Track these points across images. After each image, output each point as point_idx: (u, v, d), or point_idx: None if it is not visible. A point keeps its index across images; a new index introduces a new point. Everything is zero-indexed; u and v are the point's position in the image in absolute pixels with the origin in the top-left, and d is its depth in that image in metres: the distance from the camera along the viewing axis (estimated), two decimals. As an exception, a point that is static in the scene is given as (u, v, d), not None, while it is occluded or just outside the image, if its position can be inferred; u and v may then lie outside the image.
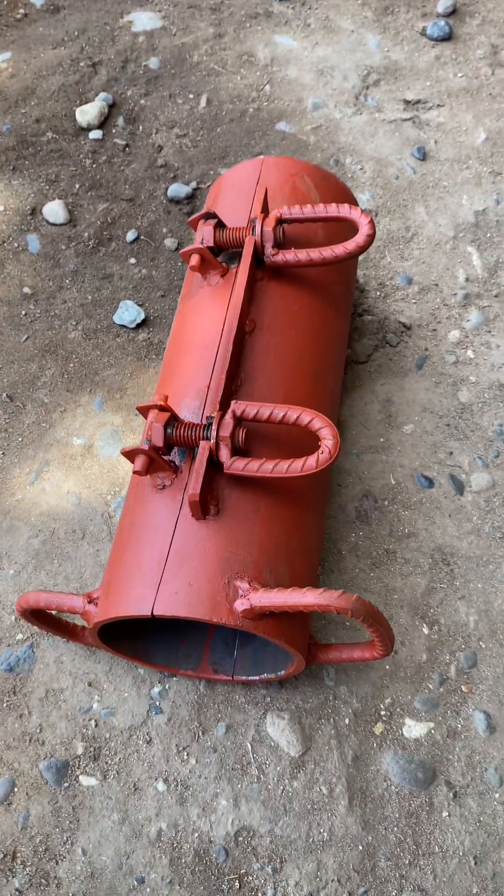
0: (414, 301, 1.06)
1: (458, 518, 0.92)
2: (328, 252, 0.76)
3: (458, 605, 0.87)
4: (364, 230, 0.76)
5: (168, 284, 1.04)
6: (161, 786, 0.75)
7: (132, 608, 0.63)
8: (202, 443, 0.65)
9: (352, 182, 1.16)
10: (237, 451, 0.66)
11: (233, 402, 0.67)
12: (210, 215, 0.79)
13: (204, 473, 0.63)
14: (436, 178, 1.17)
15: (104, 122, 1.18)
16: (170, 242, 1.08)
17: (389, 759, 0.79)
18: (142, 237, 1.08)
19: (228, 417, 0.66)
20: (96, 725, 0.77)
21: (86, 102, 1.19)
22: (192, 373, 0.74)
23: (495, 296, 1.08)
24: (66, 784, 0.75)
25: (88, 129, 1.17)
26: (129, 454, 0.65)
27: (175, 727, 0.77)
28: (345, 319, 0.87)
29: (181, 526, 0.66)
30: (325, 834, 0.75)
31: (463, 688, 0.83)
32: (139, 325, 1.00)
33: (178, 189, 1.12)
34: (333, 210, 0.78)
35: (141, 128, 1.19)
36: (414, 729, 0.80)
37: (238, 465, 0.65)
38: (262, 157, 0.87)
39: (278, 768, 0.77)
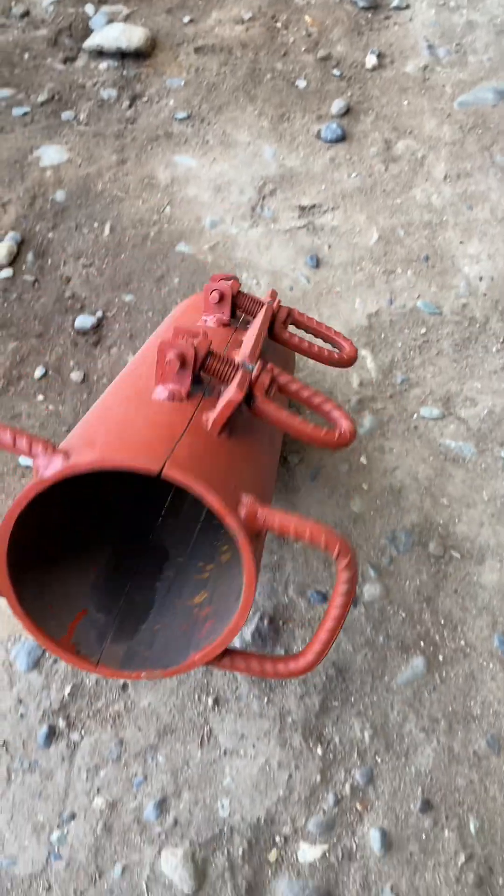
0: (309, 413, 1.11)
1: (352, 631, 0.95)
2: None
3: (353, 722, 0.90)
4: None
5: (74, 419, 1.10)
6: (60, 933, 0.79)
7: (140, 460, 0.54)
8: (243, 371, 0.64)
9: (248, 297, 1.21)
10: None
11: (269, 364, 0.68)
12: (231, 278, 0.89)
13: (242, 394, 0.61)
14: (329, 284, 1.22)
15: (14, 260, 1.25)
16: (76, 376, 1.14)
17: (284, 886, 0.81)
18: (49, 372, 1.14)
19: (266, 372, 0.66)
20: None
21: (-3, 242, 1.27)
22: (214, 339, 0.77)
23: (389, 396, 1.12)
24: (-29, 936, 0.79)
25: None
26: (166, 345, 0.62)
27: (73, 872, 0.81)
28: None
29: (193, 429, 0.60)
30: None
31: (358, 806, 0.86)
32: (43, 465, 1.06)
33: (84, 320, 1.18)
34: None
35: (49, 261, 1.26)
36: (308, 853, 0.83)
37: (269, 408, 0.64)
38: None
39: (173, 907, 0.80)
